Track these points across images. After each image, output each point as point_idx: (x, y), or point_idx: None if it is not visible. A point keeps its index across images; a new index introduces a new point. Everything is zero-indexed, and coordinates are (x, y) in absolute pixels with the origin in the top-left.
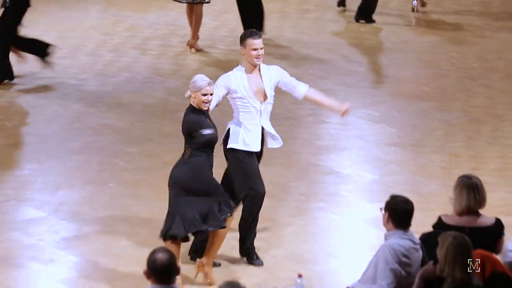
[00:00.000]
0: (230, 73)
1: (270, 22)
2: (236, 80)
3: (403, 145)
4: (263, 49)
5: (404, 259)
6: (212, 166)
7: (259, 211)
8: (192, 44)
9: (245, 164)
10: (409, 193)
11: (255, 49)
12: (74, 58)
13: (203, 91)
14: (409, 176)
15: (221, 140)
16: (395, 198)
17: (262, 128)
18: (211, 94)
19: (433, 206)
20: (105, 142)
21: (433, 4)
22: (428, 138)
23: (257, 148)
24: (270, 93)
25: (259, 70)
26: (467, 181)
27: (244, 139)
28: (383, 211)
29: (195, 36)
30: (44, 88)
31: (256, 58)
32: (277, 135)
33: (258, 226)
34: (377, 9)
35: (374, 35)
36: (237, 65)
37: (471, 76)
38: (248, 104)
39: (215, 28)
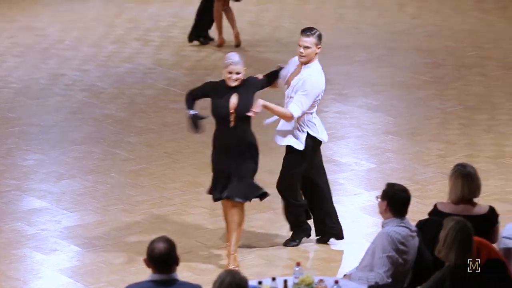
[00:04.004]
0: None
1: (269, 13)
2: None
3: (400, 133)
4: (307, 48)
5: (401, 246)
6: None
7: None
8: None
9: None
10: (405, 181)
11: (299, 45)
12: (76, 49)
13: (228, 69)
14: (406, 164)
15: None
16: (392, 187)
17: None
18: (237, 73)
19: (429, 194)
20: (107, 132)
21: None
22: (424, 126)
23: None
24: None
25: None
26: (462, 170)
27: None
28: (379, 199)
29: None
30: (46, 79)
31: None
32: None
33: (257, 215)
34: None
35: (372, 25)
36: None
37: (467, 65)
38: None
39: None
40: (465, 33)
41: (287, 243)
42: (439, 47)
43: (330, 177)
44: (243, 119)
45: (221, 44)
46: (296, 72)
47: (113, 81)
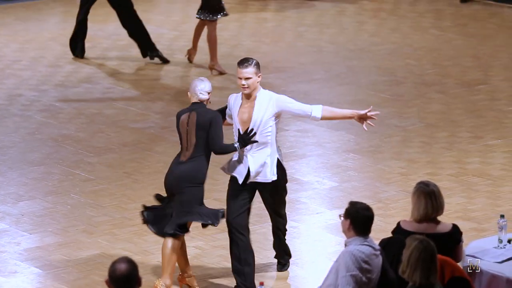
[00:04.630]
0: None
1: (229, 32)
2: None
3: (361, 151)
4: (248, 79)
5: (364, 265)
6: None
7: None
8: (212, 66)
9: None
10: (368, 199)
11: (239, 78)
12: (34, 69)
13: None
14: (368, 182)
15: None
16: (355, 205)
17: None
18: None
19: (392, 212)
20: (66, 152)
21: (387, 11)
22: (385, 144)
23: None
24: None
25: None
26: (425, 188)
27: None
28: (342, 218)
29: (213, 58)
30: (3, 99)
31: (241, 87)
32: (263, 170)
33: (218, 235)
34: (332, 12)
35: (331, 43)
36: (196, 77)
37: (427, 82)
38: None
39: (174, 38)
40: (424, 50)
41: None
42: (399, 65)
43: (292, 196)
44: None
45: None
46: (248, 107)
47: (72, 101)
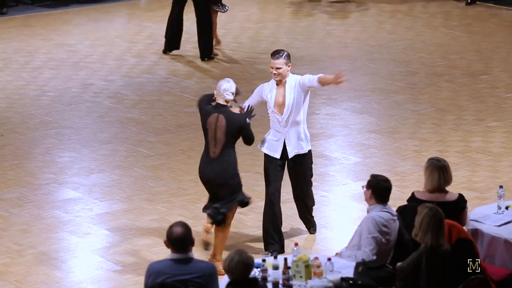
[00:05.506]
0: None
1: (268, 30)
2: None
3: (381, 132)
4: (279, 69)
5: (384, 228)
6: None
7: (266, 204)
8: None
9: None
10: (387, 173)
11: (271, 68)
12: (103, 62)
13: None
14: (386, 158)
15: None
16: (376, 177)
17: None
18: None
19: (407, 184)
20: (130, 133)
21: (403, 12)
22: (402, 125)
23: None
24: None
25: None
26: (437, 163)
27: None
28: (365, 189)
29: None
30: (78, 88)
31: (273, 75)
32: (299, 142)
33: (260, 203)
34: (356, 13)
35: (355, 39)
36: (241, 69)
37: (437, 73)
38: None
39: (221, 36)
40: (435, 46)
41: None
42: (413, 58)
43: (322, 170)
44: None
45: (218, 43)
46: (281, 91)
47: (135, 89)
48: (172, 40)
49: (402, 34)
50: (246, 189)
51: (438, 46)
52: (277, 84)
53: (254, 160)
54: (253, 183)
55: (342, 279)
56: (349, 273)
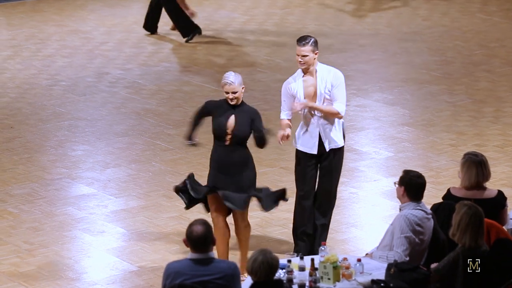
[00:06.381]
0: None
1: (294, 16)
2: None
3: (415, 124)
4: (305, 57)
5: (417, 227)
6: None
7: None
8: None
9: (298, 166)
10: (420, 168)
11: (297, 55)
12: (119, 50)
13: (224, 89)
14: (420, 153)
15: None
16: (408, 173)
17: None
18: (233, 93)
19: (443, 180)
20: (148, 125)
21: None
22: (437, 118)
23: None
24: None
25: (315, 73)
26: (475, 158)
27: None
28: (397, 185)
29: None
30: (92, 77)
31: (298, 63)
32: (333, 137)
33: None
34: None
35: (387, 26)
36: (265, 58)
37: (474, 62)
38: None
39: (245, 22)
40: (472, 33)
41: None
42: (448, 46)
43: (351, 165)
44: (239, 140)
45: (193, 14)
46: (309, 81)
47: (153, 78)
48: (151, 23)
49: (437, 21)
50: (270, 185)
51: (475, 33)
52: (303, 73)
53: (280, 155)
54: (277, 179)
55: (373, 281)
56: (380, 275)
